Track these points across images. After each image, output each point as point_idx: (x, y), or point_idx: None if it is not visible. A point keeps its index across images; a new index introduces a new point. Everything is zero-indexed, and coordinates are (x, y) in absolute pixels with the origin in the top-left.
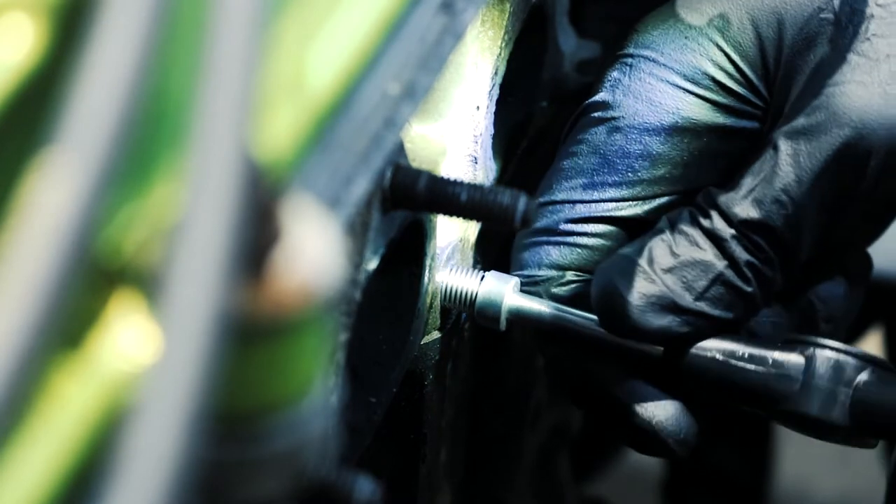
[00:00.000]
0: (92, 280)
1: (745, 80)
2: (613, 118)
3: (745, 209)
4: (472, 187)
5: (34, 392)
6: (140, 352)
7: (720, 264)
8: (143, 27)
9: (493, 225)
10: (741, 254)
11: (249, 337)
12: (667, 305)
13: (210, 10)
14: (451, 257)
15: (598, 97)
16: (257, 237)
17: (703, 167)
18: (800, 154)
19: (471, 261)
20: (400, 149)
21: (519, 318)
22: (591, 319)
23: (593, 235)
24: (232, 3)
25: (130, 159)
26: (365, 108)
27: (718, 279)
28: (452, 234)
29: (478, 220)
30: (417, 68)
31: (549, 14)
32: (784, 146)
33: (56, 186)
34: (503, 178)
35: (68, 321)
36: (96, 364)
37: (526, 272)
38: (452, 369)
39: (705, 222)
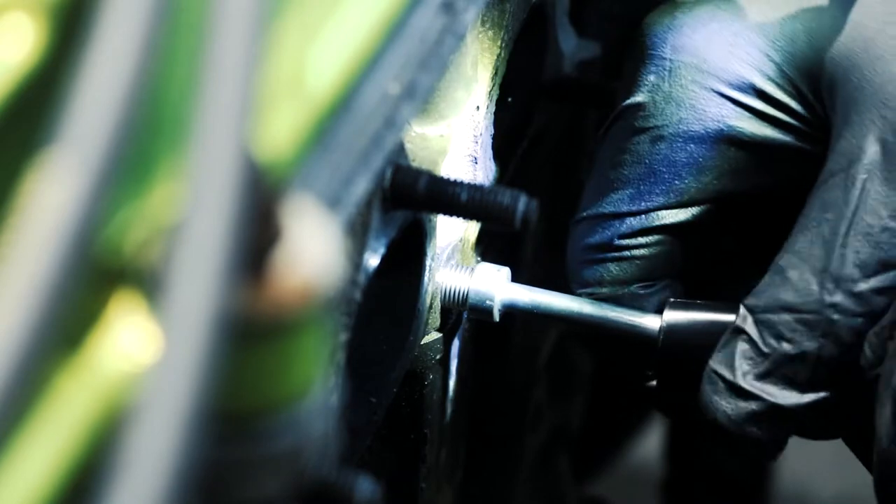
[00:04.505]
0: (92, 280)
1: (795, 92)
2: (656, 126)
3: (854, 248)
4: (472, 187)
5: (34, 392)
6: (140, 352)
7: (816, 345)
8: (143, 27)
9: (493, 225)
10: (844, 321)
11: (249, 337)
12: (772, 413)
13: (210, 10)
14: (451, 257)
15: (635, 100)
16: (257, 237)
17: (750, 175)
18: None
19: (471, 261)
20: (400, 149)
21: (513, 309)
22: (585, 302)
23: (648, 246)
24: (232, 3)
25: (130, 159)
26: (365, 108)
27: (822, 361)
28: (452, 234)
29: (478, 220)
30: (418, 68)
31: (549, 14)
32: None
33: (56, 186)
34: (503, 178)
35: (68, 321)
36: (96, 364)
37: (589, 290)
38: (452, 369)
39: (787, 296)
